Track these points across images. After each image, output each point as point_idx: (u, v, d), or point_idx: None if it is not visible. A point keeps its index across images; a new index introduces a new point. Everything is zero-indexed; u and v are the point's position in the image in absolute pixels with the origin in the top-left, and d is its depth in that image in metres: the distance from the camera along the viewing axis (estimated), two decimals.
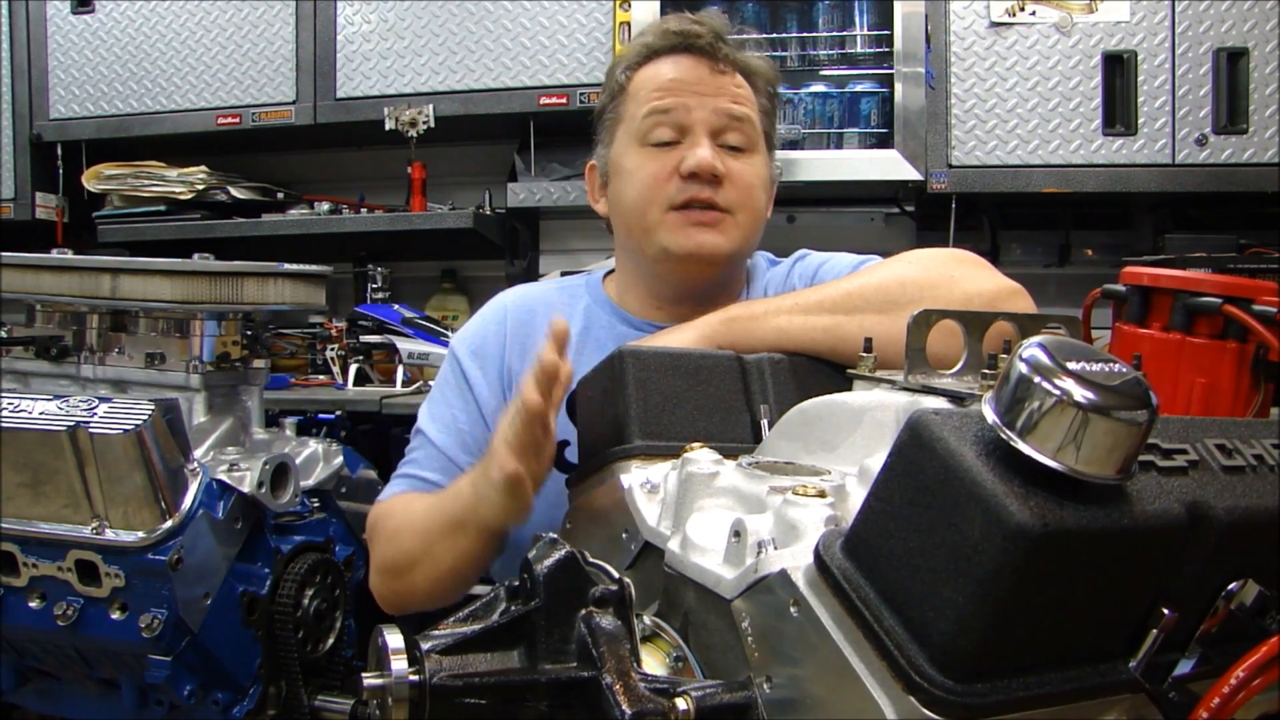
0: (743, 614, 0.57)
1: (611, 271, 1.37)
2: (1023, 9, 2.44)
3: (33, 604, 1.26)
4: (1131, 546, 0.48)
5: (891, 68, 2.45)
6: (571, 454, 0.97)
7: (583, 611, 0.60)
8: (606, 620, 0.59)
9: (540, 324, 1.31)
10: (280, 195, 3.07)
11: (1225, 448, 0.55)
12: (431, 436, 1.25)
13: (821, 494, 0.58)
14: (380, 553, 1.18)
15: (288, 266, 1.51)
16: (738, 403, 0.90)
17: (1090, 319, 1.52)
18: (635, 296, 1.31)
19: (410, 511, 1.16)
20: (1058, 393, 0.46)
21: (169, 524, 1.22)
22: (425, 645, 0.59)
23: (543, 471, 0.95)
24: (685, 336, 1.06)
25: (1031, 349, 0.48)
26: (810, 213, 2.89)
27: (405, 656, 0.59)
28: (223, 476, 1.30)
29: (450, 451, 1.23)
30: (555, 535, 0.64)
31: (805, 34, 2.57)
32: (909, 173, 2.44)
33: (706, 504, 0.67)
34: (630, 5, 2.55)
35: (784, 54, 2.57)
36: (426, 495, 1.18)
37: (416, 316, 2.71)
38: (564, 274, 2.10)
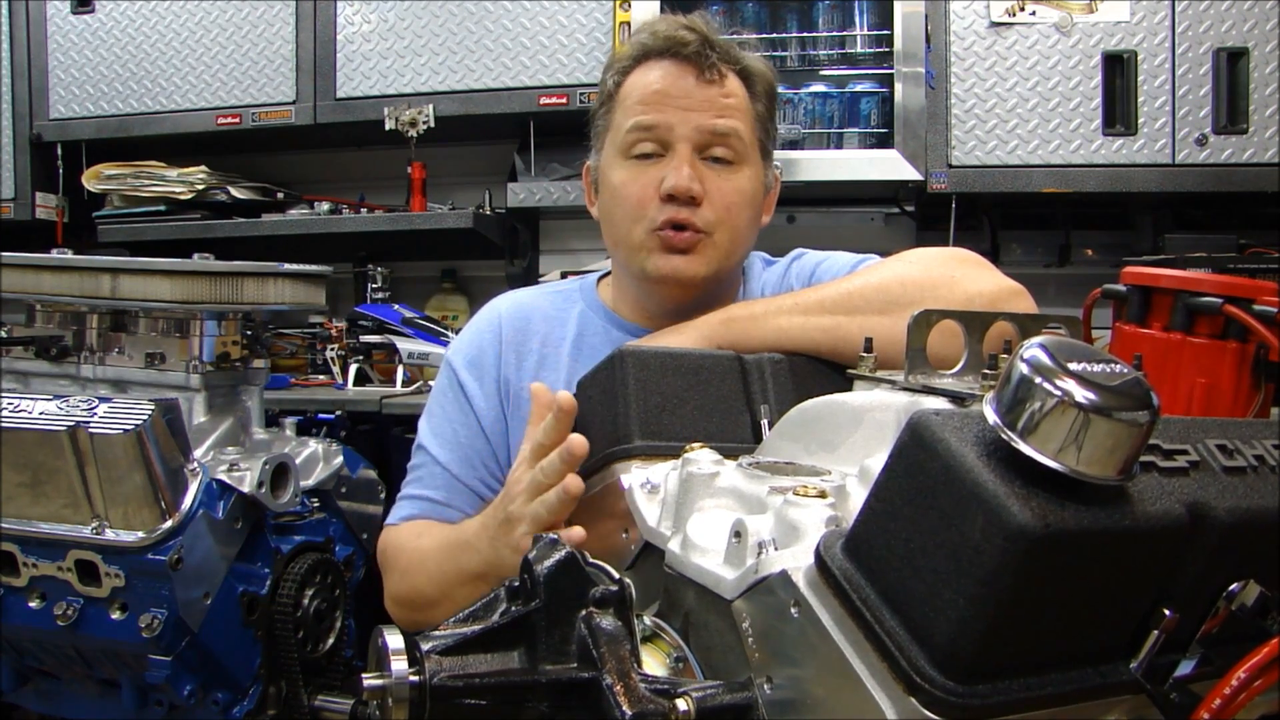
0: (743, 614, 0.57)
1: (608, 274, 1.37)
2: (1023, 9, 2.44)
3: (33, 604, 1.26)
4: (1133, 547, 0.48)
5: (891, 68, 2.45)
6: None
7: (583, 612, 0.60)
8: (607, 621, 0.59)
9: (535, 332, 1.30)
10: (280, 195, 3.07)
11: (1226, 448, 0.55)
12: (434, 453, 1.25)
13: (822, 494, 0.58)
14: (395, 586, 1.18)
15: (288, 266, 1.51)
16: (738, 403, 0.90)
17: (1090, 319, 1.52)
18: (627, 304, 1.30)
19: (421, 549, 1.15)
20: (1059, 393, 0.46)
21: (169, 524, 1.22)
22: (425, 646, 0.59)
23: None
24: (685, 336, 1.06)
25: (1032, 349, 0.48)
26: (810, 213, 2.89)
27: (405, 657, 0.59)
28: (223, 476, 1.31)
29: (454, 468, 1.23)
30: (555, 535, 0.64)
31: (805, 34, 2.57)
32: (909, 173, 2.44)
33: (707, 504, 0.67)
34: (630, 5, 2.55)
35: (784, 54, 2.57)
36: (435, 528, 1.19)
37: (416, 316, 2.71)
38: (564, 274, 2.10)
